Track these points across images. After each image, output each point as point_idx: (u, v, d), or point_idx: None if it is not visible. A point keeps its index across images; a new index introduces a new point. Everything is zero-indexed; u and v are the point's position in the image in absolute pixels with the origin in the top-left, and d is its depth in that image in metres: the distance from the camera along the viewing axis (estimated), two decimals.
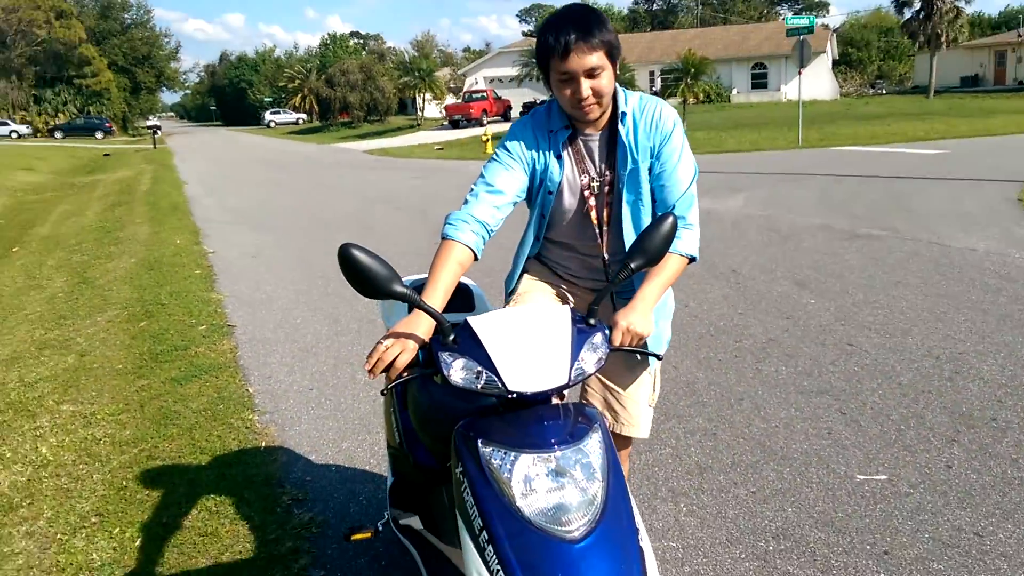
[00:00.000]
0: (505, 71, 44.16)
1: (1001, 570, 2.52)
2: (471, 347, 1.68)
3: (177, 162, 27.29)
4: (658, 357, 2.02)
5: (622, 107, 2.10)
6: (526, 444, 1.59)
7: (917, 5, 41.04)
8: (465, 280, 2.73)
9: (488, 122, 37.72)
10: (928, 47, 41.03)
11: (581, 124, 2.12)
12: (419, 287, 2.42)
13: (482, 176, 2.10)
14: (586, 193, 2.15)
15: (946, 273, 6.31)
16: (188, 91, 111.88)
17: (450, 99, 45.66)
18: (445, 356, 1.69)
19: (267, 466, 3.58)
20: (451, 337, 1.72)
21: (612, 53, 1.99)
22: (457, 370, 1.66)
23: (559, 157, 2.12)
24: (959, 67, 46.29)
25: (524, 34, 69.59)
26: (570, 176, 2.14)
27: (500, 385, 1.62)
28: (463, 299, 2.67)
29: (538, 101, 42.02)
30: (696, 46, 42.61)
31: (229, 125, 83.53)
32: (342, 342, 5.39)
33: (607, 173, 2.15)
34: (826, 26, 49.19)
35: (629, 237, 2.16)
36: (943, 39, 40.03)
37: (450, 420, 1.86)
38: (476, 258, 2.01)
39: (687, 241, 2.08)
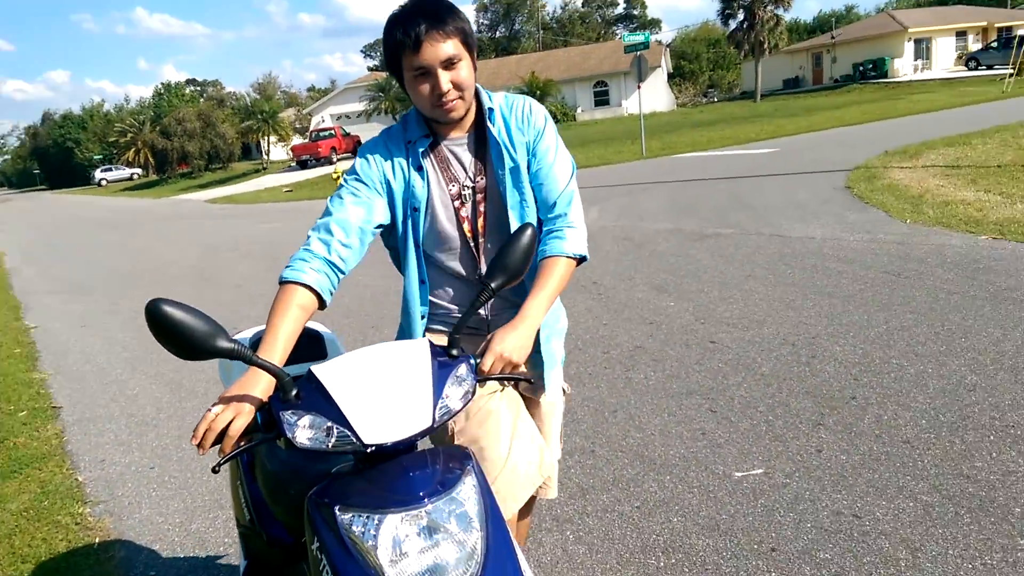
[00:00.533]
0: (352, 107, 43.69)
1: (883, 549, 2.51)
2: (317, 401, 1.44)
3: None
4: (529, 381, 1.77)
5: (487, 104, 1.91)
6: (391, 502, 1.37)
7: (741, 16, 44.01)
8: (314, 325, 2.45)
9: (338, 159, 37.06)
10: (753, 55, 44.06)
11: (444, 128, 1.90)
12: (259, 341, 2.12)
13: (327, 210, 1.84)
14: (456, 204, 1.91)
15: (790, 262, 6.57)
16: (7, 156, 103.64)
17: (297, 140, 44.60)
18: (287, 415, 1.44)
19: (102, 565, 3.12)
20: (293, 392, 1.47)
21: (468, 41, 1.80)
22: (303, 429, 1.42)
23: (420, 169, 1.88)
24: (781, 71, 49.97)
25: (370, 69, 69.22)
26: (437, 189, 1.90)
27: (354, 440, 1.40)
28: (313, 347, 2.38)
29: None
30: (540, 69, 43.93)
31: (55, 188, 77.72)
32: (186, 409, 4.90)
33: (479, 179, 1.91)
34: (659, 42, 51.92)
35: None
36: (765, 46, 43.14)
37: (304, 487, 1.60)
38: (322, 303, 1.75)
39: (572, 240, 1.88)
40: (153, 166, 50.86)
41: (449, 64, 1.75)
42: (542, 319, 1.78)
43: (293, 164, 39.81)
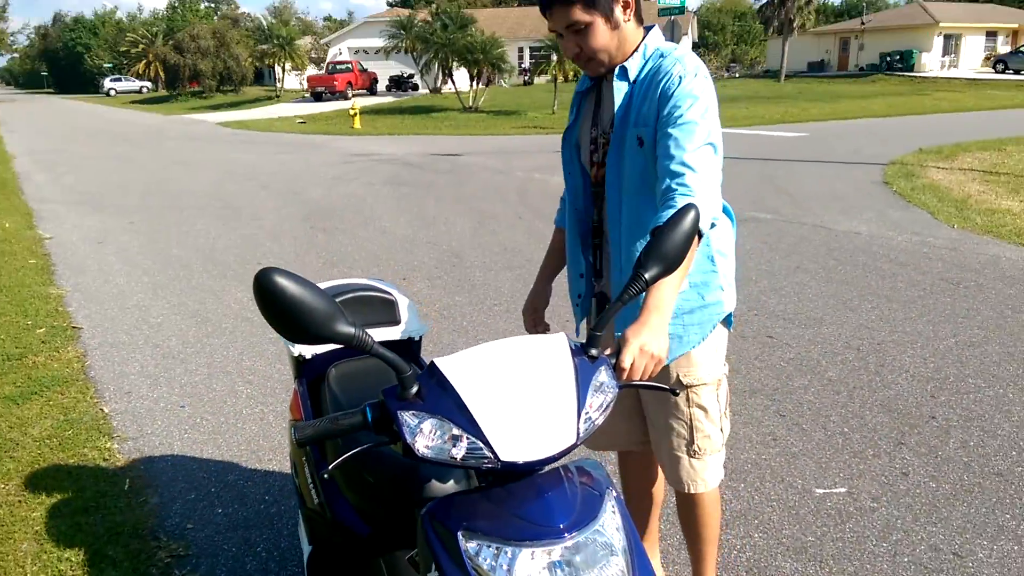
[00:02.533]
0: (371, 42, 42.59)
1: None
2: (443, 402, 1.23)
3: (3, 132, 24.42)
4: (674, 393, 1.56)
5: (630, 61, 1.82)
6: (526, 533, 1.17)
7: None
8: (385, 286, 2.22)
9: (353, 95, 36.32)
10: (780, 33, 43.18)
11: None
12: (354, 300, 1.89)
13: None
14: (591, 148, 1.93)
15: (839, 258, 6.35)
16: (16, 55, 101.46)
17: (312, 70, 43.65)
18: (407, 417, 1.22)
19: (134, 511, 2.93)
20: (414, 389, 1.25)
21: (594, 5, 1.72)
22: (424, 435, 1.21)
23: (578, 107, 1.98)
24: (806, 53, 49.06)
25: (389, 4, 67.63)
26: (583, 129, 1.96)
27: (488, 454, 1.19)
28: (381, 310, 2.15)
29: (405, 74, 40.96)
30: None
31: (63, 93, 76.30)
32: (215, 346, 4.69)
33: (610, 129, 1.87)
34: (688, 9, 50.87)
35: (613, 215, 1.87)
36: (795, 24, 42.24)
37: (407, 496, 1.39)
38: None
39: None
40: (163, 81, 49.85)
41: (574, 29, 1.75)
42: (673, 307, 1.56)
43: (307, 95, 39.02)
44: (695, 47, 51.65)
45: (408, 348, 2.18)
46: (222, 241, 7.63)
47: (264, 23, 46.01)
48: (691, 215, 1.38)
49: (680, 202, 1.64)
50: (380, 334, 2.11)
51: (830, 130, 18.74)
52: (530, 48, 44.09)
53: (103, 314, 5.35)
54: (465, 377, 1.24)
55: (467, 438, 1.19)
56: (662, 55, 1.78)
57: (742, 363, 4.17)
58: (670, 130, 1.70)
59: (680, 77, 1.71)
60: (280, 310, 1.16)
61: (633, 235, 1.84)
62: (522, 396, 1.23)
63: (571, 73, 26.31)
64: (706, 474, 1.99)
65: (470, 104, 28.14)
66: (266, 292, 1.15)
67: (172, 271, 6.50)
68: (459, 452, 1.19)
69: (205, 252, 7.15)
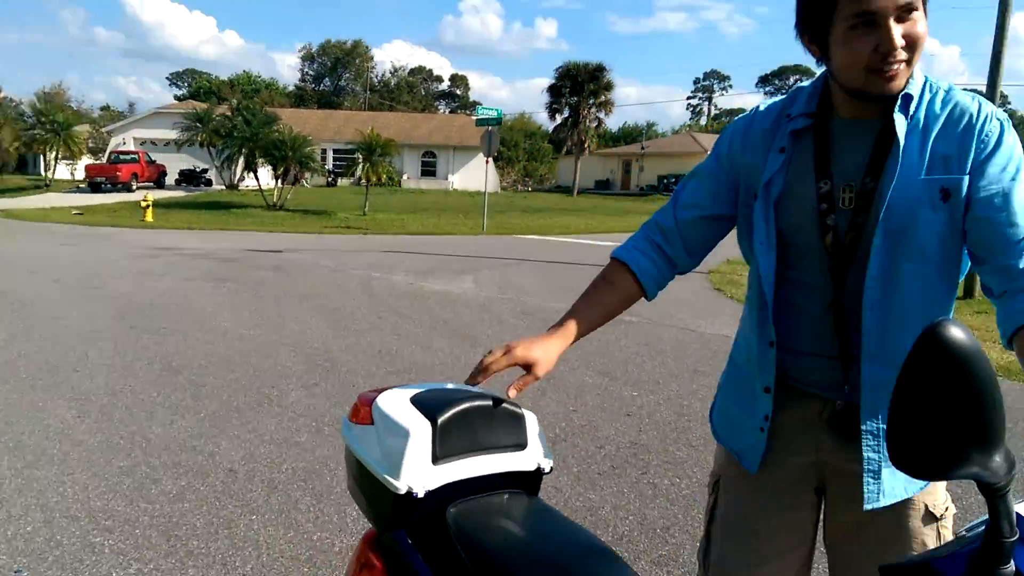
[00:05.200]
0: (160, 133, 40.01)
1: None
2: None
3: None
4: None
5: (911, 87, 1.31)
6: None
7: (566, 113, 46.46)
8: (496, 394, 1.58)
9: (137, 187, 33.55)
10: (572, 152, 46.52)
11: (849, 105, 1.36)
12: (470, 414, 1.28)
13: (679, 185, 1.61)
14: (823, 207, 1.37)
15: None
16: None
17: (88, 159, 39.99)
18: None
19: None
20: (1007, 567, 0.77)
21: None
22: None
23: (783, 151, 1.41)
24: (593, 172, 53.24)
25: (177, 98, 64.63)
26: (798, 182, 1.40)
27: None
28: (505, 428, 1.51)
29: (197, 168, 38.66)
30: (369, 129, 43.13)
31: None
32: (43, 481, 3.52)
33: (869, 181, 1.34)
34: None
35: (872, 300, 1.33)
36: (586, 145, 45.79)
37: None
38: (644, 293, 1.58)
39: None
40: None
41: (904, 13, 1.24)
42: None
43: (83, 185, 35.49)
44: (496, 160, 54.19)
45: (536, 482, 1.55)
46: (19, 345, 6.17)
47: (32, 108, 41.74)
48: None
49: None
50: (505, 462, 1.47)
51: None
52: (333, 150, 43.75)
53: None
54: None
55: None
56: (948, 90, 1.36)
57: (703, 472, 3.77)
58: (1014, 190, 1.29)
59: (1000, 122, 1.32)
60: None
61: (913, 317, 1.37)
62: None
63: (383, 176, 26.12)
64: None
65: (274, 201, 26.93)
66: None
67: None
68: None
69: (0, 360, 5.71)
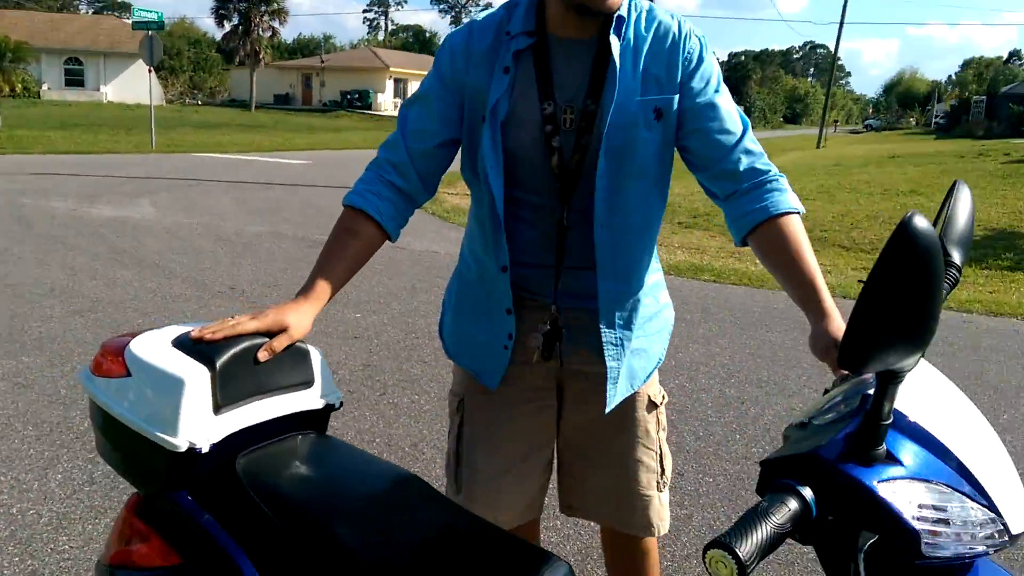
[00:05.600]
0: None
1: None
2: (932, 461, 0.85)
3: None
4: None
5: (622, 8, 1.36)
6: None
7: (236, 20, 42.66)
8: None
9: None
10: (247, 63, 43.14)
11: (564, 24, 1.37)
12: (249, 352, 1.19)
13: (400, 117, 1.50)
14: (548, 128, 1.38)
15: (445, 275, 6.46)
16: None
17: None
18: (888, 489, 0.82)
19: None
20: (880, 447, 0.83)
21: None
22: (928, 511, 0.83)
23: (507, 70, 1.38)
24: (272, 86, 49.97)
25: None
26: (523, 101, 1.39)
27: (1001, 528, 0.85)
28: (291, 367, 1.37)
29: None
30: None
31: None
32: None
33: (590, 104, 1.38)
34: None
35: (602, 218, 1.40)
36: (261, 57, 42.69)
37: None
38: (390, 237, 1.46)
39: (791, 192, 1.40)
40: None
41: None
42: None
43: None
44: (158, 70, 48.35)
45: (325, 420, 1.43)
46: None
47: None
48: (968, 188, 1.12)
49: (783, 184, 1.39)
50: (292, 402, 1.33)
51: (327, 159, 19.30)
52: None
53: None
54: (942, 425, 0.88)
55: (976, 507, 0.83)
56: (649, 9, 1.42)
57: (441, 389, 3.86)
58: (718, 101, 1.40)
59: (699, 39, 1.42)
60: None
61: (639, 231, 1.46)
62: (989, 449, 0.90)
63: (18, 86, 21.99)
64: (667, 509, 1.70)
65: None
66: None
67: None
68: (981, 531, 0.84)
69: None
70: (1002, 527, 0.84)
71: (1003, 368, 4.52)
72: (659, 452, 1.64)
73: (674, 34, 1.40)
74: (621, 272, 1.47)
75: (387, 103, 47.49)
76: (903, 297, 0.71)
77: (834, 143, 40.14)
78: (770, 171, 1.39)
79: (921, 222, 0.70)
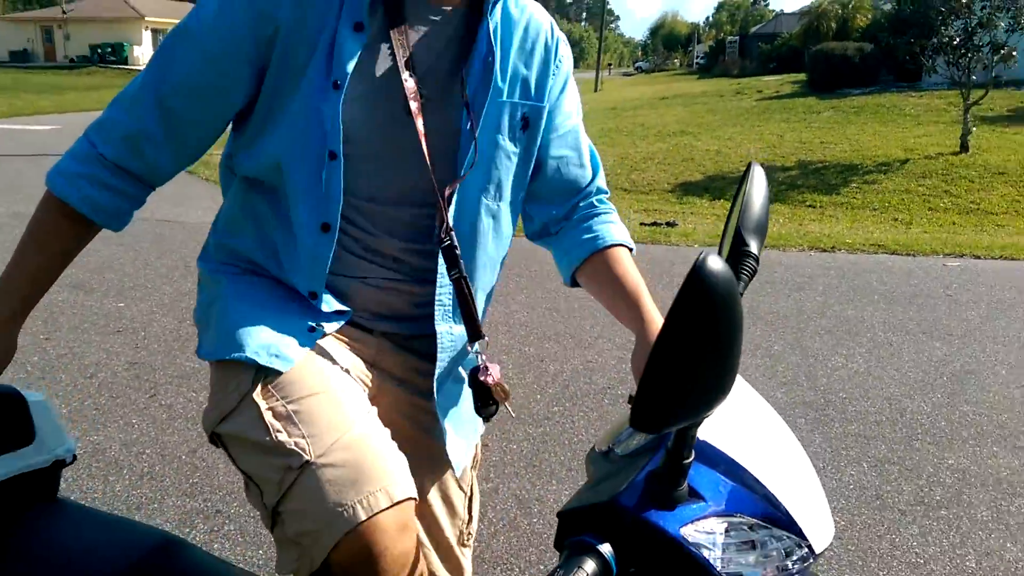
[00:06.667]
0: None
1: None
2: (722, 487, 0.80)
3: None
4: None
5: None
6: None
7: None
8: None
9: None
10: None
11: None
12: None
13: (138, 80, 1.13)
14: (414, 104, 1.08)
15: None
16: None
17: None
18: (691, 531, 0.75)
19: None
20: (682, 486, 0.76)
21: None
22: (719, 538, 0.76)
23: (360, 28, 1.04)
24: (5, 41, 43.67)
25: None
26: (383, 70, 1.08)
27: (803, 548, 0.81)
28: (10, 419, 1.09)
29: None
30: None
31: None
32: None
33: (457, 90, 1.12)
34: None
35: (471, 216, 1.18)
36: None
37: None
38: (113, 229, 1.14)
39: (623, 226, 1.27)
40: None
41: None
42: None
43: None
44: None
45: (55, 480, 1.16)
46: None
47: None
48: (761, 170, 1.05)
49: (614, 216, 1.28)
50: (4, 466, 1.06)
51: (79, 122, 17.10)
52: None
53: None
54: (743, 448, 0.83)
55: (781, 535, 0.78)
56: None
57: None
58: (580, 128, 1.26)
59: (567, 49, 1.24)
60: None
61: (495, 246, 1.24)
62: (788, 465, 0.87)
63: None
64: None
65: None
66: None
67: None
68: (770, 554, 0.78)
69: None
70: (807, 549, 0.79)
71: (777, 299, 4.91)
72: (470, 496, 1.39)
73: (547, 34, 1.19)
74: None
75: (145, 57, 43.18)
76: (700, 351, 0.60)
77: (610, 85, 42.07)
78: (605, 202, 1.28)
79: (715, 263, 0.58)
